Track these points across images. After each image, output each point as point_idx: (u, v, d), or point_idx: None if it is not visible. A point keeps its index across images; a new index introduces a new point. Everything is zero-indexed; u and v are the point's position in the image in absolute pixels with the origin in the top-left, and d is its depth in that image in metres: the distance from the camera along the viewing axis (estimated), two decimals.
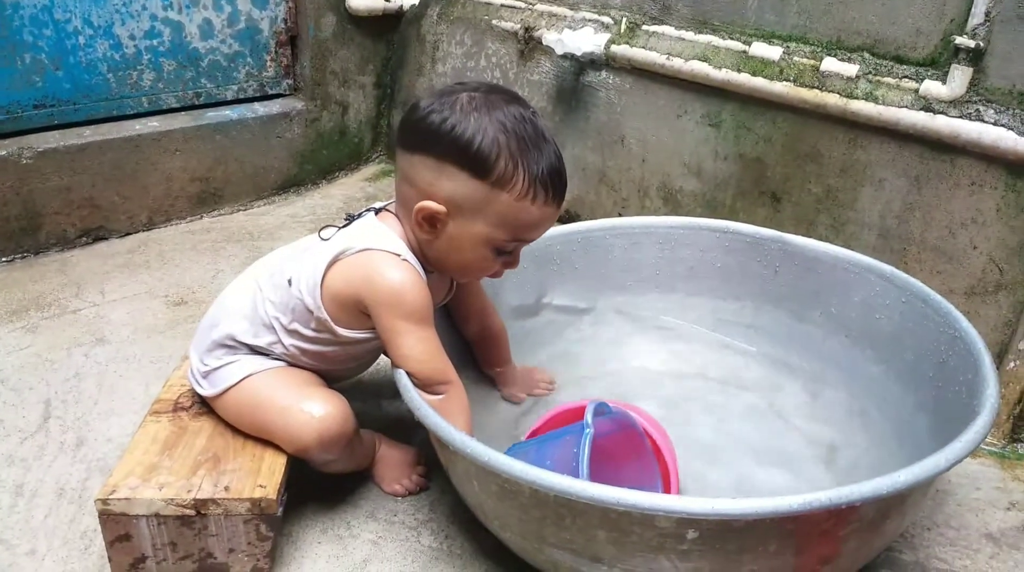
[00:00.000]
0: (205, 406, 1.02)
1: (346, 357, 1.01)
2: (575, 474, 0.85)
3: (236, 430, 0.99)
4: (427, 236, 0.93)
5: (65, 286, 1.51)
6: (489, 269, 0.97)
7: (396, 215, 0.97)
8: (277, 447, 0.96)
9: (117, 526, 0.89)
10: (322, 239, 0.96)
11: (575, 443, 0.88)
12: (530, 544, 0.84)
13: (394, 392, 0.91)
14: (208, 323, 1.01)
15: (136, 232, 1.73)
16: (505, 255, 0.95)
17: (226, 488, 0.90)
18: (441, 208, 0.90)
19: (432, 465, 1.05)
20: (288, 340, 0.96)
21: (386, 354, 0.97)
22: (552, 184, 0.91)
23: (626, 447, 0.97)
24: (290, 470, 0.95)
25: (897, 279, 1.09)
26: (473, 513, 0.92)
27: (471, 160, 0.87)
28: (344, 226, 0.97)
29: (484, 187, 0.88)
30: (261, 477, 0.92)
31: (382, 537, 0.98)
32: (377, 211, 0.98)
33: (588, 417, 0.90)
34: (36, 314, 1.42)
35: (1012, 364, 1.12)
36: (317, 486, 1.03)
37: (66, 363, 1.29)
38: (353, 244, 0.93)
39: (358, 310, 0.93)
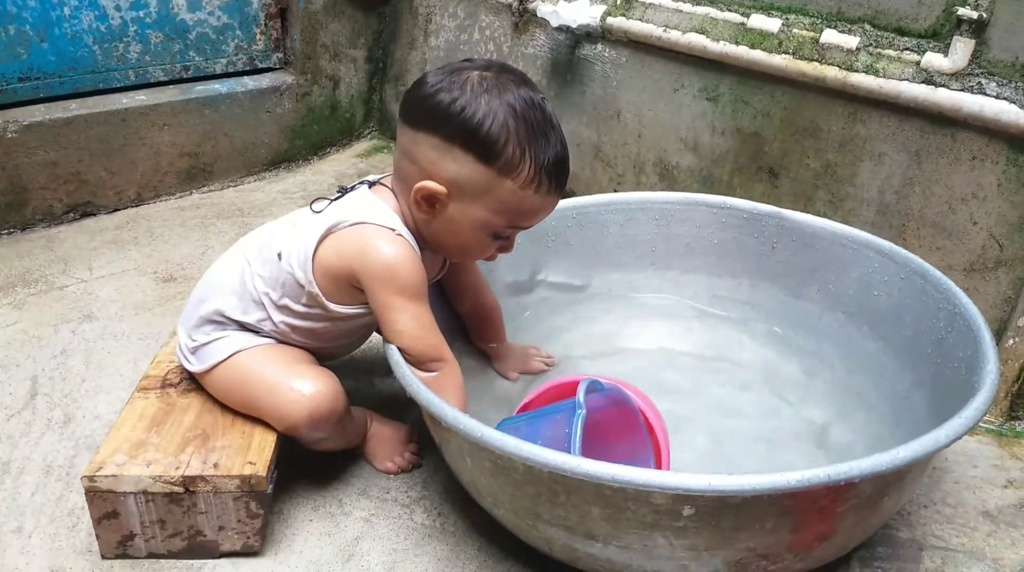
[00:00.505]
0: (193, 382, 1.01)
1: (337, 333, 0.99)
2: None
3: (225, 407, 0.97)
4: (425, 216, 0.91)
5: (52, 262, 1.49)
6: (484, 253, 0.96)
7: (391, 189, 0.95)
8: (267, 424, 0.95)
9: (104, 503, 0.88)
10: (314, 212, 0.94)
11: (567, 423, 0.87)
12: (524, 521, 0.83)
13: (386, 369, 0.90)
14: (196, 298, 0.99)
15: (124, 208, 1.71)
16: (501, 240, 0.94)
17: (215, 465, 0.88)
18: (442, 189, 0.88)
19: (425, 443, 1.04)
20: (278, 316, 0.95)
21: (378, 331, 0.96)
22: (557, 174, 0.90)
23: (619, 423, 0.96)
24: (280, 447, 0.94)
25: (896, 255, 1.08)
26: (466, 490, 0.91)
27: (479, 144, 0.86)
28: (337, 198, 0.95)
29: (489, 172, 0.87)
30: (251, 454, 0.91)
31: (374, 515, 0.97)
32: (371, 184, 0.96)
33: (580, 396, 0.89)
34: (23, 290, 1.40)
35: (1011, 341, 1.11)
36: (308, 463, 1.02)
37: (53, 340, 1.27)
38: (347, 217, 0.91)
39: (350, 285, 0.91)
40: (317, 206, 0.95)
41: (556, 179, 0.90)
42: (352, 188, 0.96)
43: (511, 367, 1.16)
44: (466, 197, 0.89)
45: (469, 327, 1.14)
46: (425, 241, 0.95)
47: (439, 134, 0.87)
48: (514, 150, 0.86)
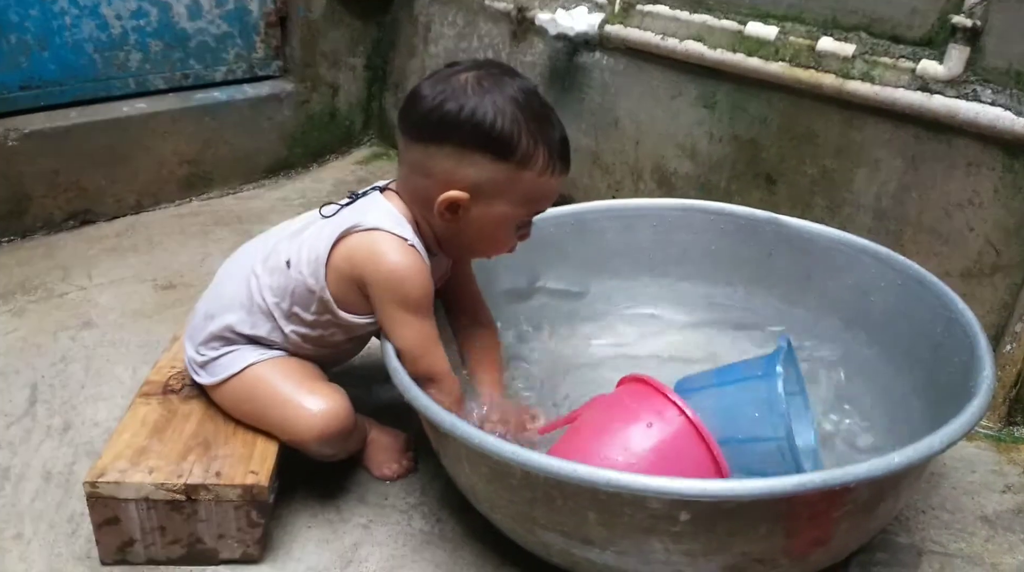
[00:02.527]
0: (195, 389, 1.01)
1: (346, 341, 0.99)
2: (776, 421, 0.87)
3: (227, 414, 0.98)
4: (447, 223, 0.91)
5: (52, 270, 1.50)
6: (508, 245, 0.97)
7: (399, 195, 0.95)
8: (269, 433, 0.95)
9: (105, 509, 0.88)
10: (324, 216, 0.94)
11: (767, 387, 0.88)
12: (521, 526, 0.83)
13: (385, 377, 0.90)
14: (203, 313, 0.99)
15: (124, 215, 1.71)
16: (522, 229, 0.96)
17: (217, 474, 0.89)
18: (465, 195, 0.89)
19: (423, 449, 1.04)
20: (288, 326, 0.95)
21: (377, 336, 0.96)
22: (565, 154, 0.92)
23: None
24: (282, 456, 0.94)
25: (892, 261, 1.09)
26: (464, 496, 0.92)
27: (494, 143, 0.87)
28: (349, 203, 0.96)
29: (508, 168, 0.88)
30: (253, 463, 0.91)
31: (373, 521, 0.97)
32: (382, 189, 0.97)
33: (779, 359, 0.92)
34: (23, 298, 1.41)
35: (1008, 347, 1.11)
36: (308, 470, 1.02)
37: (53, 347, 1.27)
38: (362, 221, 0.91)
39: (359, 290, 0.92)
40: (327, 210, 0.95)
41: (565, 158, 0.92)
42: (364, 193, 0.97)
43: (497, 420, 0.99)
44: (488, 197, 0.90)
45: (467, 357, 1.07)
46: (443, 247, 0.96)
47: (452, 143, 0.87)
48: (527, 142, 0.87)
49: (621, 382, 0.96)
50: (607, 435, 0.87)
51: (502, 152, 0.87)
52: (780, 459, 0.88)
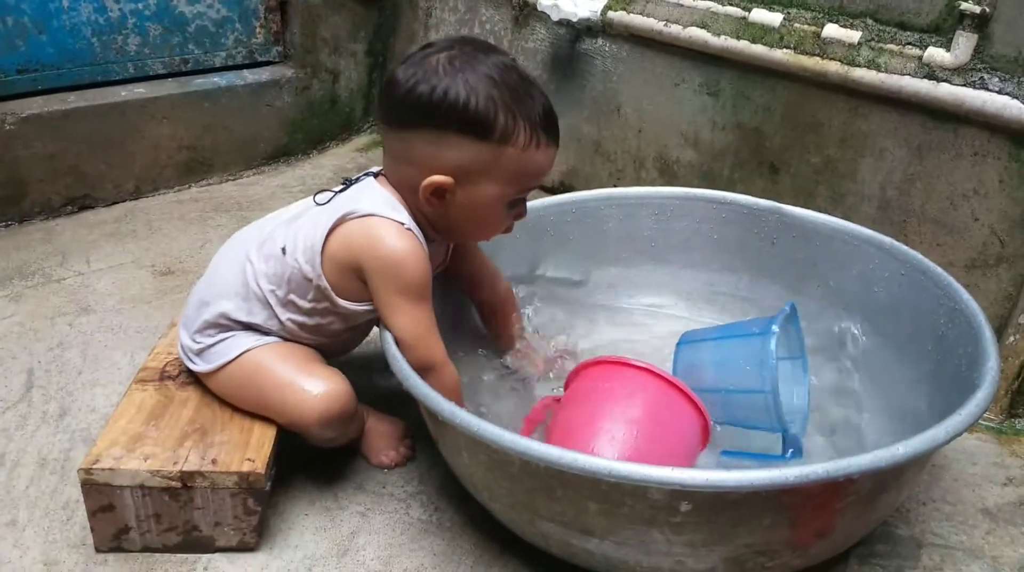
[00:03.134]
0: (192, 376, 1.00)
1: (344, 330, 0.98)
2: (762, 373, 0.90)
3: (224, 401, 0.97)
4: (436, 209, 0.90)
5: (50, 255, 1.49)
6: (502, 226, 0.96)
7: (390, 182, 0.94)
8: (266, 419, 0.94)
9: (100, 496, 0.87)
10: (317, 203, 0.93)
11: (762, 345, 0.91)
12: (520, 516, 0.83)
13: (382, 365, 0.89)
14: (197, 300, 0.98)
15: (123, 201, 1.70)
16: (516, 208, 0.94)
17: (213, 461, 0.88)
18: (448, 179, 0.87)
19: (421, 437, 1.04)
20: (284, 314, 0.94)
21: (378, 324, 0.95)
22: (550, 126, 0.90)
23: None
24: (279, 443, 0.93)
25: (896, 251, 1.08)
26: (463, 485, 0.91)
27: (471, 123, 0.85)
28: (342, 190, 0.94)
29: (489, 147, 0.86)
30: (250, 450, 0.90)
31: (370, 509, 0.97)
32: (376, 175, 0.95)
33: (778, 320, 0.94)
34: (20, 283, 1.40)
35: (1012, 338, 1.10)
36: (305, 457, 1.01)
37: (50, 332, 1.27)
38: (358, 207, 0.90)
39: (357, 277, 0.91)
40: (321, 198, 0.94)
41: (550, 130, 0.90)
42: (357, 179, 0.95)
43: (530, 364, 1.11)
44: (473, 178, 0.88)
45: (487, 324, 1.12)
46: (438, 231, 0.94)
47: (429, 127, 0.86)
48: (506, 118, 0.85)
49: (576, 371, 0.96)
50: (600, 418, 0.88)
51: (480, 131, 0.85)
52: (765, 412, 0.92)
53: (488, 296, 1.11)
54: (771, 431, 0.95)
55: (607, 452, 0.85)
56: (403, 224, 0.89)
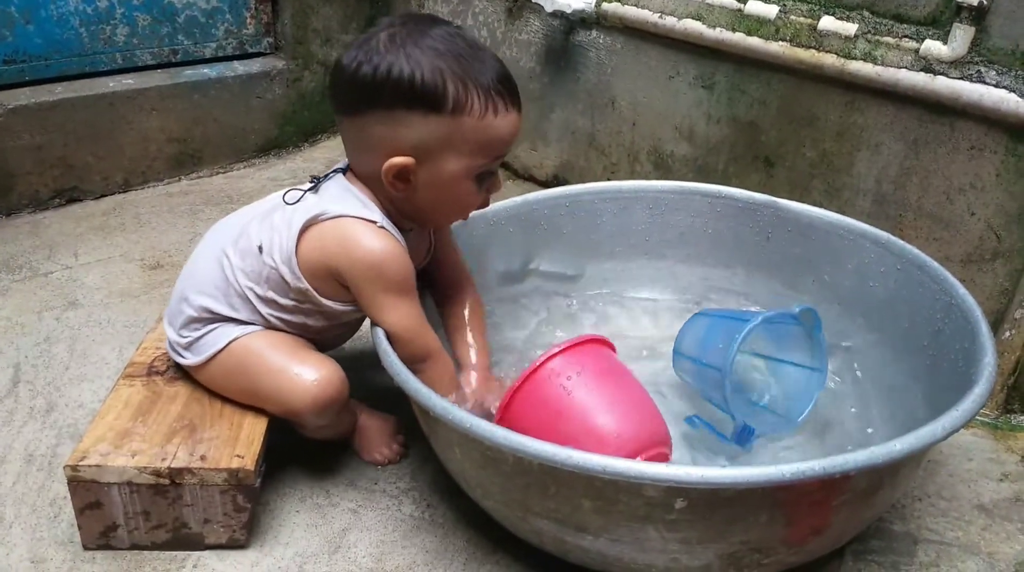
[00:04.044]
0: (181, 371, 0.99)
1: (331, 326, 0.96)
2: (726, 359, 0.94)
3: (213, 396, 0.96)
4: (403, 193, 0.88)
5: (37, 248, 1.47)
6: (475, 202, 0.92)
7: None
8: (256, 415, 0.93)
9: (87, 493, 0.86)
10: (287, 203, 0.91)
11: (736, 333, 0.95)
12: (513, 513, 0.82)
13: (375, 360, 0.88)
14: (179, 295, 0.96)
15: (111, 194, 1.68)
16: (486, 181, 0.91)
17: (202, 457, 0.87)
18: (408, 160, 0.85)
19: (413, 433, 1.02)
20: (265, 309, 0.92)
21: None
22: (506, 90, 0.86)
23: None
24: (269, 439, 0.92)
25: (892, 246, 1.07)
26: (455, 481, 0.90)
27: (420, 98, 0.82)
28: (311, 189, 0.92)
29: (443, 120, 0.84)
30: (239, 447, 0.89)
31: (362, 506, 0.96)
32: (344, 171, 0.93)
33: (760, 316, 0.96)
34: (6, 277, 1.38)
35: (1008, 333, 1.10)
36: (296, 454, 1.00)
37: (37, 327, 1.25)
38: (326, 209, 0.88)
39: (336, 280, 0.89)
40: (290, 197, 0.91)
41: (507, 95, 0.86)
42: (326, 177, 0.93)
43: (479, 398, 0.98)
44: (434, 155, 0.86)
45: (450, 330, 1.04)
46: (412, 219, 0.92)
47: (379, 108, 0.84)
48: (456, 87, 0.83)
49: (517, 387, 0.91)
50: (569, 417, 0.87)
51: (431, 104, 0.83)
52: (718, 389, 0.97)
53: (451, 294, 1.05)
54: (723, 410, 0.99)
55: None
56: (375, 222, 0.87)
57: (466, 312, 1.03)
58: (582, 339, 0.92)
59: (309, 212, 0.88)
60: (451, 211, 0.93)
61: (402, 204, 0.90)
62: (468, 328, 1.02)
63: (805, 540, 0.78)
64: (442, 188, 0.88)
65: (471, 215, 0.97)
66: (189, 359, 0.95)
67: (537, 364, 0.89)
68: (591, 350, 0.92)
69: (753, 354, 1.10)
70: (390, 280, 0.87)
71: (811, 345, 1.01)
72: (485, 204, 0.94)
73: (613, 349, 0.97)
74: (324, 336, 0.99)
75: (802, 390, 1.02)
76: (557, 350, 0.89)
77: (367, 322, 0.95)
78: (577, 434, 0.85)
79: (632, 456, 0.85)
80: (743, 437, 0.97)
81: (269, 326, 0.94)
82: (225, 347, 0.92)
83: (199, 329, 0.94)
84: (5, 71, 1.54)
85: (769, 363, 1.09)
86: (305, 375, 0.90)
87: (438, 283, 1.05)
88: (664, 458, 0.89)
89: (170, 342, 0.97)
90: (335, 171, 0.93)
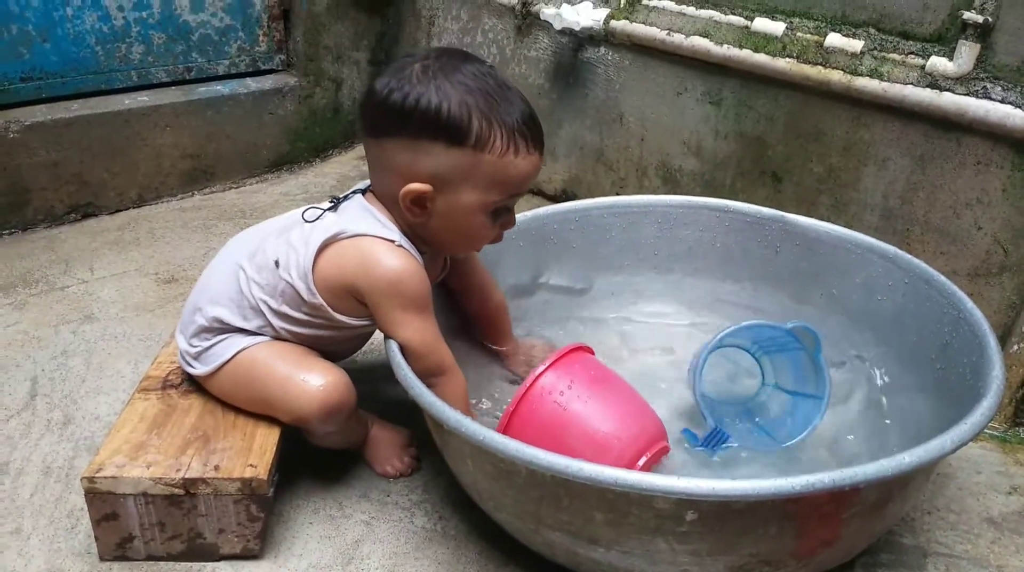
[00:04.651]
0: (195, 384, 1.00)
1: (341, 339, 0.98)
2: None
3: (226, 408, 0.97)
4: (419, 219, 0.90)
5: (53, 263, 1.49)
6: (488, 236, 0.94)
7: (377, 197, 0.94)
8: (268, 426, 0.94)
9: (104, 505, 0.87)
10: (306, 221, 0.93)
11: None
12: (526, 525, 0.82)
13: (386, 373, 0.89)
14: (192, 306, 0.98)
15: (126, 209, 1.70)
16: (501, 217, 0.93)
17: (216, 467, 0.88)
18: (427, 187, 0.87)
19: (426, 445, 1.03)
20: (278, 322, 0.94)
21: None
22: (530, 132, 0.89)
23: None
24: (281, 449, 0.93)
25: (900, 260, 1.08)
26: (467, 494, 0.91)
27: (444, 129, 0.85)
28: (331, 208, 0.94)
29: (464, 154, 0.86)
30: (252, 457, 0.90)
31: (375, 518, 0.97)
32: (364, 191, 0.95)
33: (727, 333, 0.99)
34: (23, 291, 1.40)
35: (1016, 346, 1.10)
36: (309, 465, 1.01)
37: (53, 340, 1.27)
38: (346, 228, 0.90)
39: (353, 298, 0.91)
40: (309, 215, 0.93)
41: (530, 137, 0.89)
42: (345, 198, 0.95)
43: (518, 364, 1.15)
44: (452, 186, 0.88)
45: (475, 326, 1.13)
46: (427, 243, 0.94)
47: (404, 134, 0.86)
48: (480, 123, 0.85)
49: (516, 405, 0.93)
50: (568, 431, 0.89)
51: (454, 138, 0.85)
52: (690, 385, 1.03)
53: (478, 308, 1.11)
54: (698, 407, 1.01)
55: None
56: (394, 241, 0.89)
57: (490, 306, 1.11)
58: (565, 350, 0.94)
59: (328, 230, 0.90)
60: (463, 241, 0.95)
61: (417, 228, 0.92)
62: (494, 318, 1.11)
63: (815, 552, 0.78)
64: (456, 218, 0.90)
65: None
66: (199, 369, 0.96)
67: (528, 384, 0.91)
68: (576, 359, 0.95)
69: (773, 386, 1.10)
70: (407, 297, 0.88)
71: (815, 369, 1.01)
72: (498, 239, 0.97)
73: (592, 353, 0.99)
74: (333, 348, 1.00)
75: (808, 412, 1.02)
76: (544, 367, 0.91)
77: (377, 334, 0.97)
78: (579, 445, 0.87)
79: (636, 457, 0.88)
80: (713, 441, 0.98)
81: (278, 338, 0.95)
82: (233, 357, 0.94)
83: (209, 339, 0.95)
84: (22, 88, 1.57)
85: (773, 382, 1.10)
86: (312, 381, 0.91)
87: (456, 289, 1.09)
88: (665, 451, 0.92)
89: (181, 352, 0.99)
90: (355, 191, 0.95)
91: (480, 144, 0.86)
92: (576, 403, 0.90)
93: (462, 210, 0.89)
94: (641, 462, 0.88)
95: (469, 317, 1.12)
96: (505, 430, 0.90)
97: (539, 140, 0.90)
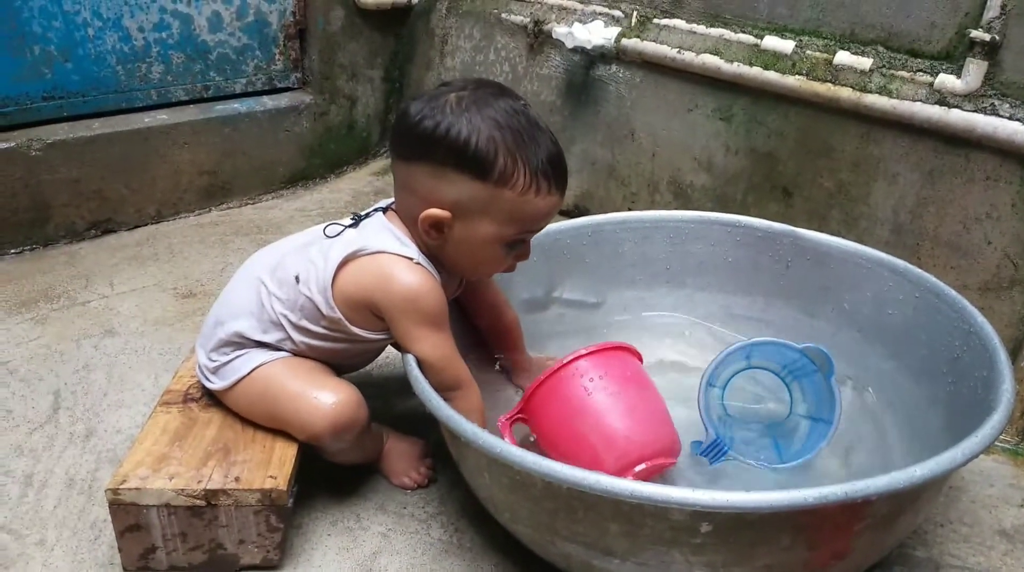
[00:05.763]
0: (214, 398, 1.02)
1: (358, 352, 1.00)
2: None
3: (246, 421, 0.99)
4: (435, 242, 0.92)
5: (74, 278, 1.51)
6: (501, 265, 0.97)
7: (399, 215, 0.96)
8: (287, 438, 0.96)
9: (127, 516, 0.89)
10: (327, 237, 0.95)
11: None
12: (542, 537, 0.84)
13: (402, 385, 0.91)
14: (213, 320, 1.00)
15: (145, 225, 1.73)
16: (516, 249, 0.95)
17: (236, 479, 0.89)
18: (446, 214, 0.89)
19: (442, 458, 1.05)
20: (297, 336, 0.96)
21: (394, 345, 0.97)
22: (553, 173, 0.90)
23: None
24: (300, 462, 0.95)
25: (910, 274, 1.09)
26: (484, 506, 0.92)
27: (470, 162, 0.87)
28: (352, 225, 0.96)
29: (486, 187, 0.88)
30: (271, 468, 0.92)
31: (392, 530, 0.98)
32: (385, 210, 0.98)
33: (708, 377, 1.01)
34: (45, 306, 1.42)
35: None
36: (327, 478, 1.02)
37: (75, 354, 1.29)
38: (366, 245, 0.92)
39: (371, 313, 0.93)
40: (331, 230, 0.96)
41: (553, 178, 0.90)
42: (366, 215, 0.97)
43: (531, 380, 1.16)
44: (471, 216, 0.90)
45: (488, 341, 1.15)
46: (442, 264, 0.96)
47: (431, 161, 0.88)
48: (505, 160, 0.87)
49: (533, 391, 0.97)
50: (584, 416, 0.92)
51: (478, 171, 0.87)
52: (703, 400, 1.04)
53: (491, 325, 1.13)
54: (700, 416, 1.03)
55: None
56: (412, 258, 0.91)
57: (502, 323, 1.12)
58: (611, 345, 0.97)
59: (349, 247, 0.92)
60: (475, 268, 0.98)
61: (433, 250, 0.94)
62: (506, 334, 1.13)
63: (827, 564, 0.79)
64: (472, 247, 0.92)
65: None
66: (216, 383, 0.98)
67: (564, 362, 0.94)
68: (617, 356, 0.97)
69: (801, 415, 1.09)
70: (425, 313, 0.90)
71: (829, 392, 1.01)
72: (511, 269, 0.99)
73: (640, 359, 1.01)
74: (349, 360, 1.02)
75: (817, 437, 1.02)
76: (585, 352, 0.94)
77: (390, 348, 0.99)
78: (588, 432, 0.91)
79: (636, 461, 0.90)
80: (713, 452, 1.00)
81: (297, 351, 0.97)
82: (249, 373, 0.96)
83: (228, 354, 0.97)
84: (44, 107, 1.60)
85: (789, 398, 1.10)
86: (323, 399, 0.93)
87: (469, 307, 1.11)
88: (659, 469, 0.93)
89: (200, 366, 1.01)
90: (376, 210, 0.98)
91: (503, 180, 0.87)
92: (601, 393, 0.93)
93: (478, 240, 0.91)
94: (639, 468, 0.90)
95: (482, 333, 1.14)
96: (531, 396, 0.95)
97: (562, 181, 0.92)
